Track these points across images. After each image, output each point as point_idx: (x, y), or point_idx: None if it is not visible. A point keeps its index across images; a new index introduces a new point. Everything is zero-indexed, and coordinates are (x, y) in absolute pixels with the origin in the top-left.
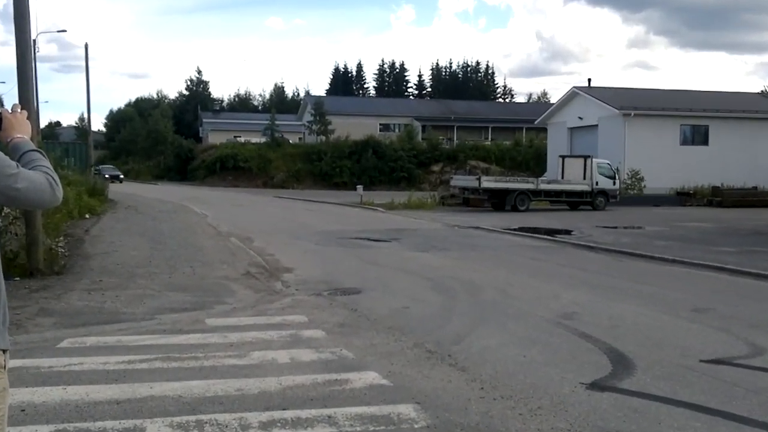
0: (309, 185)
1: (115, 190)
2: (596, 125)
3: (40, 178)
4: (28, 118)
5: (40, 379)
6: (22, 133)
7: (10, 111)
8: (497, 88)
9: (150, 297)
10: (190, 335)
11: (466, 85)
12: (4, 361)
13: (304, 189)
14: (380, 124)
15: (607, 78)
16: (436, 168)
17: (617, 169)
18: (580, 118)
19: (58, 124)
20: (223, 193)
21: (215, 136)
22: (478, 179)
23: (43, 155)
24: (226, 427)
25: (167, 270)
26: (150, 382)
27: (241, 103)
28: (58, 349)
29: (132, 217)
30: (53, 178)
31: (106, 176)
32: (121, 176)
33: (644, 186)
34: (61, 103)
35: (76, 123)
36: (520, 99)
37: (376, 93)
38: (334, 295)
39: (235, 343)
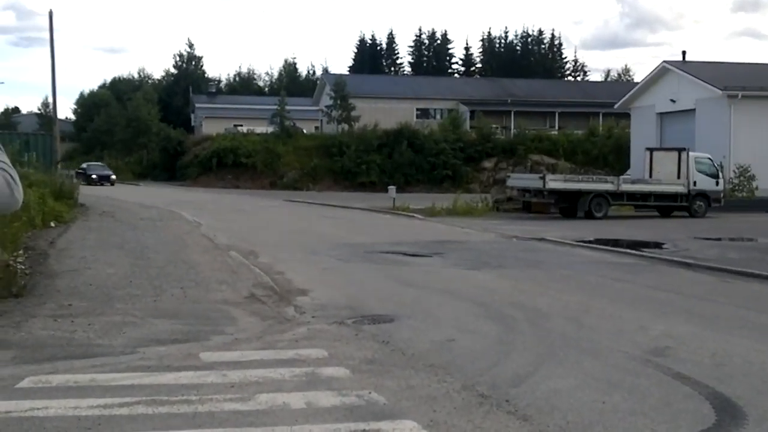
0: (328, 186)
1: (87, 193)
2: (693, 110)
3: None
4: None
5: None
6: None
7: None
8: (566, 63)
9: (131, 325)
10: (180, 373)
11: (527, 60)
12: None
13: (321, 191)
14: (417, 110)
15: (706, 50)
16: (488, 164)
17: (721, 166)
18: (673, 101)
19: (15, 110)
20: (221, 196)
21: (211, 124)
22: (543, 178)
23: (0, 148)
24: None
25: (152, 292)
26: None
27: (243, 85)
28: (17, 389)
29: (108, 226)
30: (11, 176)
31: (93, 176)
32: (113, 177)
33: (756, 187)
34: (20, 85)
35: (39, 109)
36: (595, 77)
37: (413, 70)
38: (361, 324)
39: (236, 384)
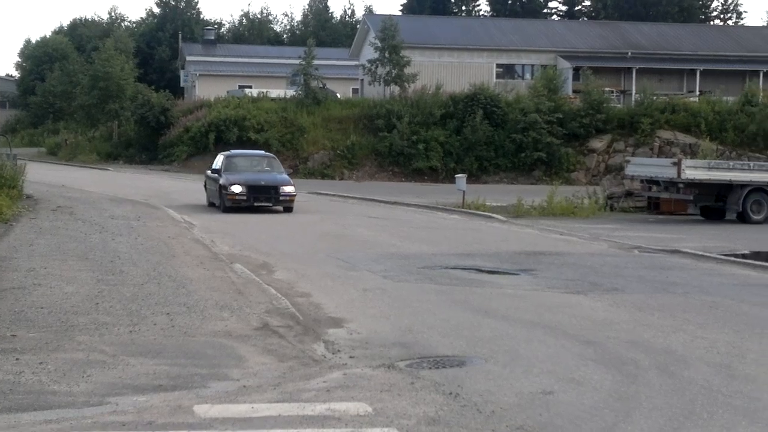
0: (371, 172)
1: (36, 179)
2: None
3: None
4: None
5: None
6: None
7: None
8: (710, 2)
9: (98, 366)
10: None
11: None
12: None
13: (361, 180)
14: (498, 66)
15: None
16: (598, 144)
17: None
18: None
19: None
20: None
21: (207, 85)
22: (677, 165)
23: None
24: None
25: (127, 319)
26: None
27: (254, 30)
28: None
29: (65, 226)
30: None
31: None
32: (288, 189)
33: None
34: None
35: None
36: (752, 21)
37: (492, 11)
38: (419, 368)
39: None
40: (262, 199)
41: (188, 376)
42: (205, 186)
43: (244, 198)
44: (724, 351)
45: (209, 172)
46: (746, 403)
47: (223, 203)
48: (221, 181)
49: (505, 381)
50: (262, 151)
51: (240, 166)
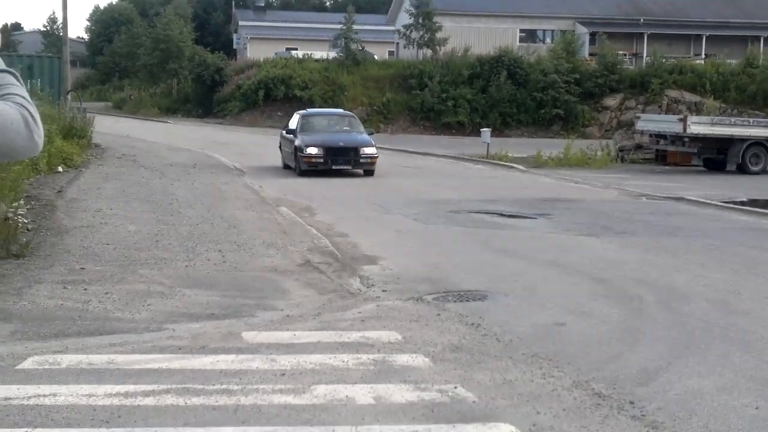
0: (404, 126)
1: (103, 130)
2: None
3: (11, 112)
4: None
5: None
6: None
7: None
8: None
9: (158, 296)
10: (219, 356)
11: None
12: None
13: (395, 133)
14: (521, 31)
15: None
16: (611, 102)
17: None
18: None
19: (16, 27)
20: (269, 138)
21: (258, 47)
22: (683, 121)
23: (17, 78)
24: None
25: (183, 255)
26: (158, 428)
27: None
28: (18, 371)
29: (129, 172)
30: (31, 114)
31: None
32: (369, 152)
33: None
34: None
35: (45, 26)
36: None
37: None
38: (445, 301)
39: (288, 372)
40: (341, 161)
41: (238, 306)
42: (280, 147)
43: (321, 160)
44: (722, 288)
45: (284, 132)
46: (741, 336)
47: (298, 166)
48: (296, 143)
49: (522, 313)
50: (341, 110)
51: (317, 126)
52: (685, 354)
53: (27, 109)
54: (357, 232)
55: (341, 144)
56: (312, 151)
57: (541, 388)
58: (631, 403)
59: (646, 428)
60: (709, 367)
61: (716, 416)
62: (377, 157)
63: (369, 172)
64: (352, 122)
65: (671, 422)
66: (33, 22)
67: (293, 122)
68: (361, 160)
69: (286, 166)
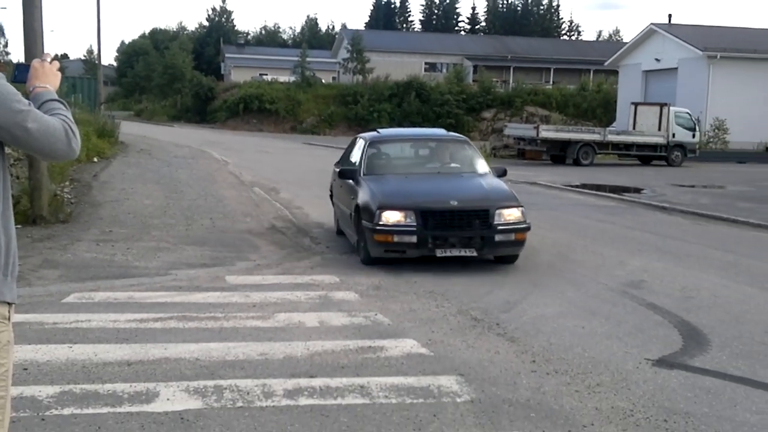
0: (343, 131)
1: (127, 131)
2: (675, 68)
3: (56, 124)
4: (58, 70)
5: (44, 336)
6: (47, 83)
7: (41, 60)
8: (562, 23)
9: (165, 250)
10: (208, 293)
11: (526, 20)
12: (8, 313)
13: (337, 135)
14: (426, 63)
15: (693, 14)
16: (488, 114)
17: (698, 120)
18: (657, 60)
19: (64, 56)
20: (247, 138)
21: (239, 73)
22: (536, 128)
23: (65, 106)
24: (248, 393)
25: (184, 221)
26: (164, 343)
27: (269, 37)
28: (63, 304)
29: (145, 162)
30: (71, 128)
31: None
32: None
33: (728, 140)
34: (68, 33)
35: (85, 56)
36: (588, 37)
37: (423, 28)
38: None
39: (258, 304)
40: (455, 241)
41: (222, 258)
42: (331, 194)
43: (414, 240)
44: (561, 244)
45: (337, 168)
46: (574, 278)
47: (365, 247)
48: (360, 198)
49: (424, 263)
50: (441, 130)
51: (397, 163)
52: (535, 290)
53: (69, 125)
54: (309, 206)
55: (454, 204)
56: (391, 217)
57: (435, 314)
58: (497, 324)
59: (506, 342)
60: (550, 300)
61: (555, 333)
62: (528, 227)
63: (511, 258)
64: (465, 153)
65: (524, 338)
66: (76, 52)
67: (355, 154)
68: (497, 237)
69: (340, 232)
